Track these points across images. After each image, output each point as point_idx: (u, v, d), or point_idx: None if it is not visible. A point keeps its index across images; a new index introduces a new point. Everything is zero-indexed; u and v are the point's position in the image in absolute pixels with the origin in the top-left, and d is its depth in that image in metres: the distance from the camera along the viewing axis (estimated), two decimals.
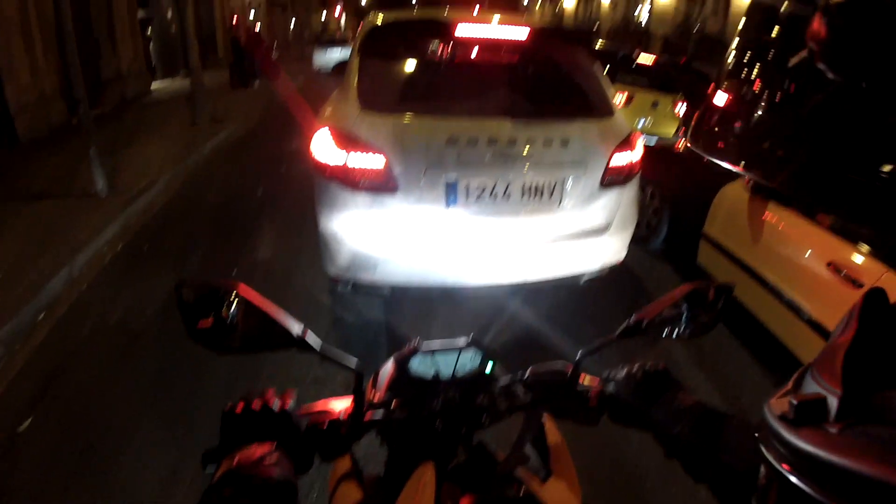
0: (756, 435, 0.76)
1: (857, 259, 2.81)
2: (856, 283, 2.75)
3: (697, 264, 4.17)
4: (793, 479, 0.67)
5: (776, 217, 3.44)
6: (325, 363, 0.90)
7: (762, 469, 0.76)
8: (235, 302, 0.91)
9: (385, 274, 2.81)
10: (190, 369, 2.95)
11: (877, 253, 2.75)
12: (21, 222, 5.34)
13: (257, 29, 20.18)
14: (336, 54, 19.89)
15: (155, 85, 17.68)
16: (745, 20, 4.71)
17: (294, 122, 9.01)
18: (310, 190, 3.07)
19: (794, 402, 0.67)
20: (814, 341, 2.88)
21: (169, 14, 20.12)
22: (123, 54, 15.31)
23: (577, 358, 0.99)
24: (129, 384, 2.98)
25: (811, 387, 0.73)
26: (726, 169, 4.15)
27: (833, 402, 0.67)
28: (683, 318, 1.06)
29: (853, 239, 2.91)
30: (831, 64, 0.59)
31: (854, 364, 0.71)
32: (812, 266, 3.08)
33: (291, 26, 42.40)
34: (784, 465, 0.68)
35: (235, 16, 22.20)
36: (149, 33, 18.85)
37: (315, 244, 3.06)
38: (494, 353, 0.96)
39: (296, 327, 0.89)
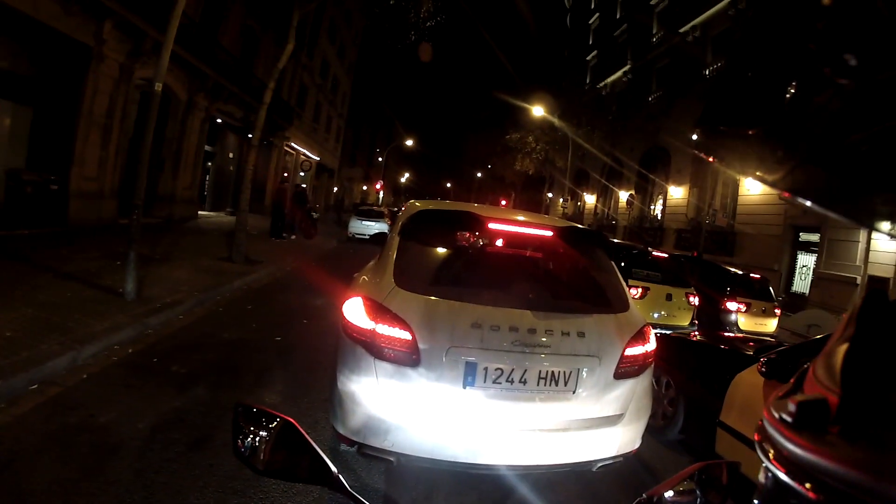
0: (756, 438, 0.72)
1: None
2: None
3: (716, 454, 4.02)
4: (792, 483, 0.62)
5: None
6: None
7: (761, 471, 0.71)
8: (284, 433, 1.02)
9: (395, 442, 2.80)
10: (163, 498, 2.81)
11: None
12: (44, 296, 5.54)
13: (303, 186, 21.80)
14: (371, 226, 21.07)
15: (202, 214, 19.02)
16: None
17: (321, 280, 9.34)
18: (326, 348, 3.14)
19: (795, 403, 0.66)
20: None
21: (230, 155, 22.10)
22: (182, 179, 16.96)
23: None
24: (92, 491, 2.78)
25: (812, 387, 0.71)
26: (740, 356, 4.19)
27: (833, 403, 0.65)
28: (693, 496, 1.08)
29: None
30: (832, 64, 0.62)
31: (853, 365, 0.70)
32: None
33: (335, 192, 45.69)
34: (783, 470, 0.64)
35: (286, 173, 24.13)
36: (208, 166, 20.51)
37: (322, 402, 3.06)
38: None
39: (333, 468, 0.99)
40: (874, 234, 14.16)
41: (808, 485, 0.65)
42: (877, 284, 13.68)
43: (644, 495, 1.04)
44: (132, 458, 3.14)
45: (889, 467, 0.62)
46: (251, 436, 1.02)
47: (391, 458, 2.84)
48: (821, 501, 0.63)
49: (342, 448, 3.03)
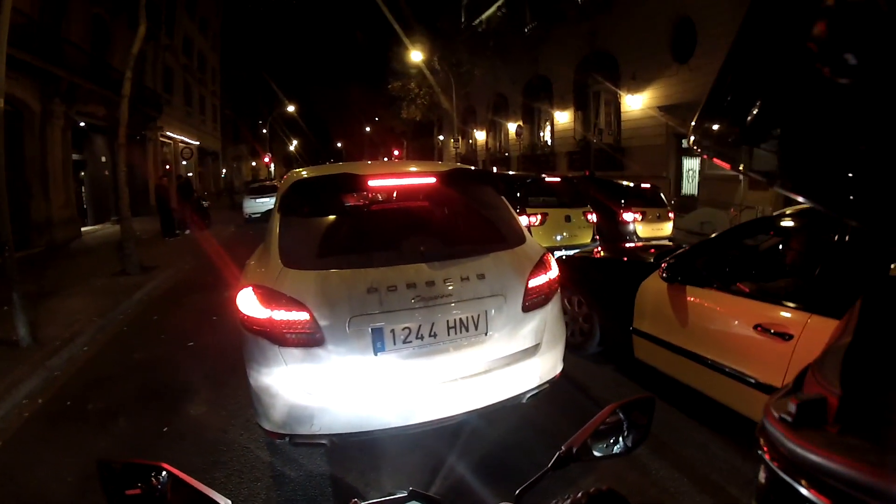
0: (756, 437, 0.78)
1: (780, 314, 3.07)
2: (785, 337, 2.97)
3: (636, 359, 4.31)
4: (791, 482, 0.68)
5: (696, 298, 3.71)
6: None
7: (762, 470, 0.77)
8: (161, 480, 0.92)
9: (322, 425, 2.76)
10: None
11: (795, 304, 3.04)
12: None
13: (188, 175, 20.52)
14: (265, 202, 20.44)
15: (86, 230, 17.46)
16: None
17: (223, 271, 8.97)
18: (240, 341, 3.07)
19: (795, 402, 0.71)
20: (762, 401, 3.01)
21: (103, 159, 20.27)
22: (55, 198, 15.23)
23: (516, 495, 1.00)
24: None
25: (812, 387, 0.77)
26: (642, 265, 4.48)
27: (833, 402, 0.71)
28: (614, 436, 1.11)
29: (770, 299, 3.19)
30: (832, 64, 0.64)
31: (853, 364, 0.76)
32: (741, 332, 3.30)
33: (223, 175, 43.39)
34: (783, 469, 0.69)
35: (168, 166, 22.64)
36: (82, 176, 18.74)
37: (248, 397, 3.00)
38: (436, 502, 0.98)
39: (223, 501, 0.91)
40: None
41: (807, 484, 0.69)
42: None
43: (563, 447, 1.05)
44: None
45: (888, 466, 0.67)
46: (127, 492, 0.92)
47: (324, 442, 2.82)
48: (820, 500, 0.67)
49: (277, 442, 2.99)
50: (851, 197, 0.75)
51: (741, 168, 0.90)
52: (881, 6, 0.60)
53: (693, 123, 0.87)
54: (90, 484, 3.23)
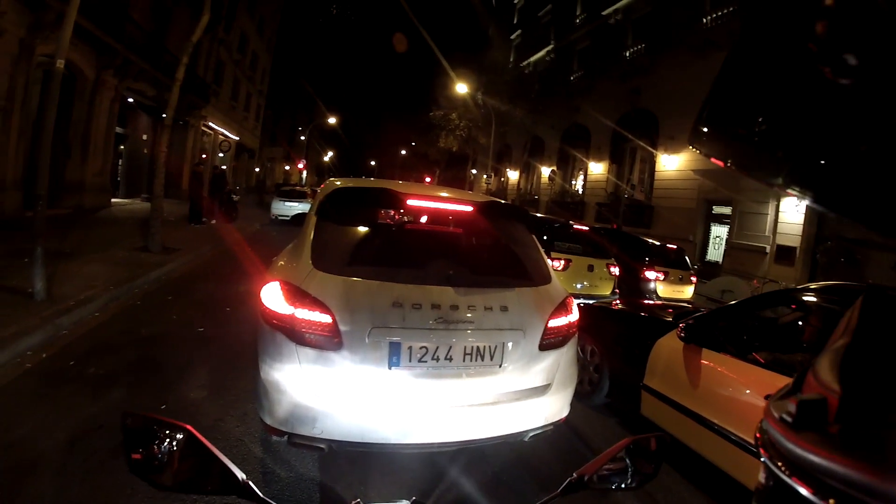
0: (756, 438, 0.76)
1: None
2: None
3: (641, 415, 4.24)
4: (791, 483, 0.65)
5: (711, 362, 3.66)
6: None
7: (761, 471, 0.74)
8: (182, 442, 0.95)
9: (324, 429, 2.74)
10: None
11: None
12: None
13: (223, 167, 20.87)
14: (293, 206, 20.71)
15: (115, 202, 17.79)
16: None
17: (243, 265, 9.03)
18: (250, 335, 3.06)
19: (795, 403, 0.69)
20: None
21: (144, 137, 20.71)
22: (91, 164, 15.65)
23: None
24: None
25: (811, 387, 0.74)
26: (660, 322, 4.45)
27: (833, 403, 0.69)
28: (625, 470, 1.11)
29: (784, 371, 3.13)
30: (833, 64, 0.63)
31: (853, 365, 0.73)
32: (751, 401, 3.24)
33: (256, 171, 44.14)
34: (783, 470, 0.67)
35: (204, 155, 23.07)
36: (121, 150, 19.13)
37: (250, 393, 2.95)
38: None
39: (239, 474, 0.93)
40: (782, 207, 15.14)
41: (808, 484, 0.67)
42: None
43: (574, 474, 1.05)
44: (53, 472, 2.95)
45: (889, 467, 0.65)
46: (148, 448, 0.94)
47: (322, 446, 2.79)
48: (820, 501, 0.65)
49: (273, 439, 2.95)
50: (851, 196, 0.75)
51: (730, 164, 0.89)
52: (881, 6, 0.59)
53: (694, 123, 0.87)
54: (79, 444, 3.22)
